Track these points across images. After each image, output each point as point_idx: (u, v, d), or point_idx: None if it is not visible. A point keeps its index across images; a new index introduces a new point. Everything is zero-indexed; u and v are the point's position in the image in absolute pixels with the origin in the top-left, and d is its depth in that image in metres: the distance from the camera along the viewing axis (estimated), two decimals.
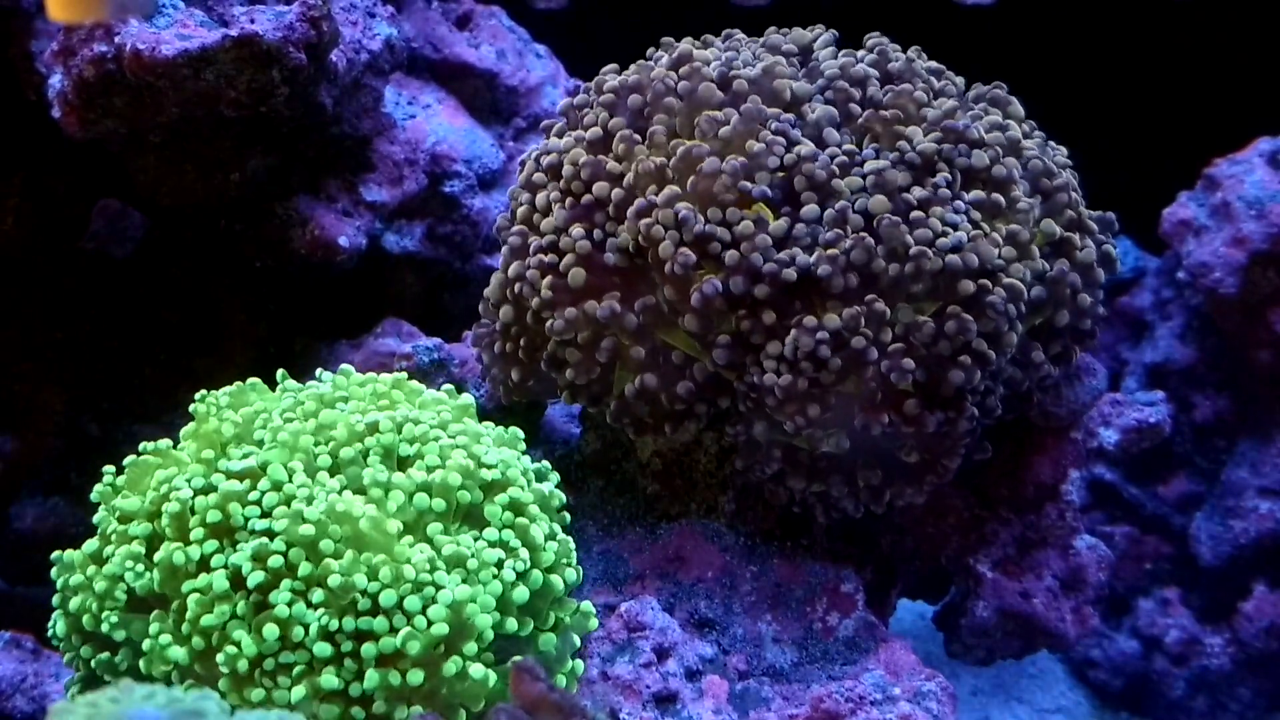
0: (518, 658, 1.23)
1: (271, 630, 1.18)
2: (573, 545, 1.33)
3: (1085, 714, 2.21)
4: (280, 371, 1.42)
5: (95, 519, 1.32)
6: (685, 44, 1.55)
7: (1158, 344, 2.24)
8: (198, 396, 1.38)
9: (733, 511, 1.55)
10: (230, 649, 1.18)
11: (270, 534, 1.22)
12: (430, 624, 1.19)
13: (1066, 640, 1.70)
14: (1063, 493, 1.68)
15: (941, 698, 1.44)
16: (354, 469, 1.27)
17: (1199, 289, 2.09)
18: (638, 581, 1.50)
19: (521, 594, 1.24)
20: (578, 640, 1.32)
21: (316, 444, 1.29)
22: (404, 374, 1.43)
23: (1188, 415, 2.18)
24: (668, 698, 1.39)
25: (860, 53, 1.57)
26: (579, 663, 1.32)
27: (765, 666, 1.46)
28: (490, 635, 1.22)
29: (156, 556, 1.23)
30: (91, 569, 1.27)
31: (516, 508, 1.29)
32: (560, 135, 1.55)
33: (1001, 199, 1.45)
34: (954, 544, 1.67)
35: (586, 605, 1.33)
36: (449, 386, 1.44)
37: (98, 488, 1.34)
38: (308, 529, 1.21)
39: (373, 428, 1.30)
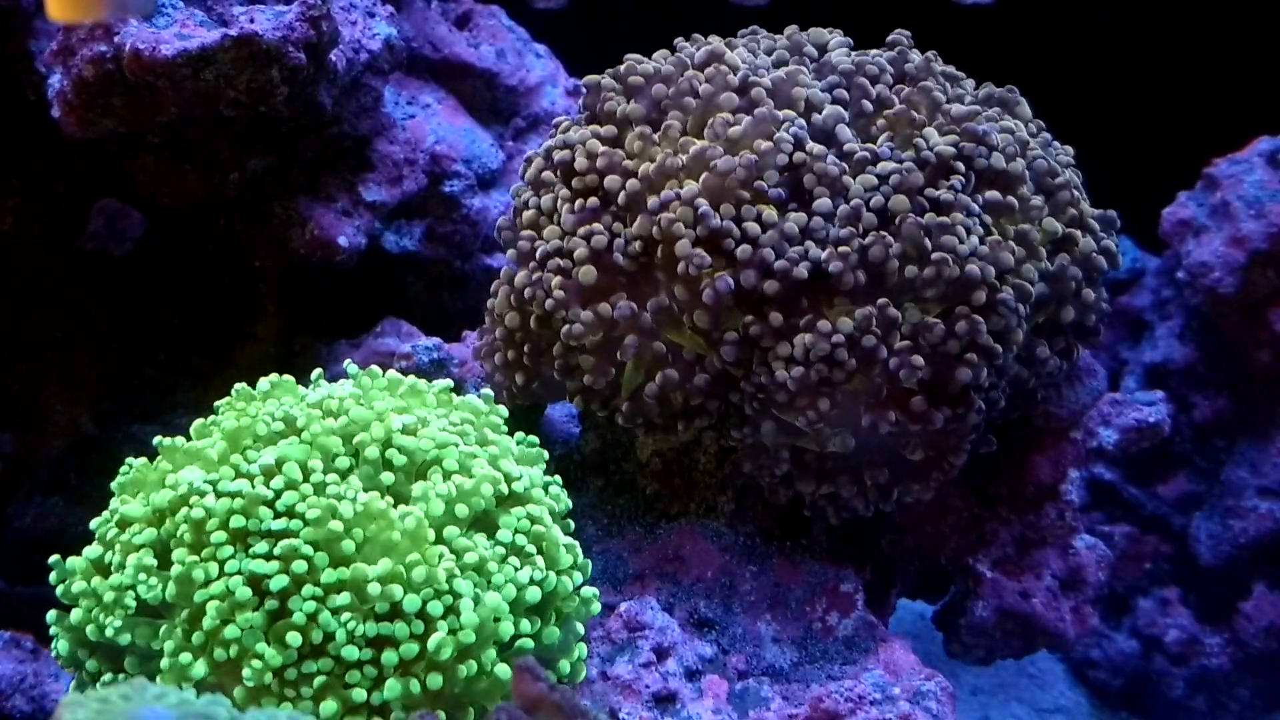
0: (522, 650, 1.23)
1: (295, 638, 1.17)
2: (579, 549, 1.34)
3: (1085, 714, 2.21)
4: (316, 371, 1.42)
5: (93, 524, 1.29)
6: (716, 42, 1.55)
7: (1157, 344, 2.23)
8: (234, 390, 1.37)
9: (732, 511, 1.55)
10: (256, 663, 1.17)
11: (293, 534, 1.20)
12: (458, 630, 1.19)
13: (1066, 640, 1.69)
14: (1062, 492, 1.68)
15: (941, 697, 1.44)
16: (369, 469, 1.27)
17: (1198, 289, 2.09)
18: (637, 581, 1.50)
19: (534, 594, 1.25)
20: (581, 628, 1.32)
21: (340, 444, 1.28)
22: (447, 381, 1.42)
23: (1187, 415, 2.18)
24: (667, 697, 1.39)
25: (874, 51, 1.57)
26: (584, 646, 1.32)
27: (765, 666, 1.46)
28: (508, 637, 1.22)
29: (173, 570, 1.21)
30: (97, 579, 1.25)
31: (535, 519, 1.29)
32: (567, 131, 1.54)
33: (1015, 201, 1.45)
34: (953, 544, 1.67)
35: (587, 591, 1.33)
36: (487, 392, 1.43)
37: (119, 477, 1.31)
38: (336, 525, 1.20)
39: (397, 430, 1.29)
